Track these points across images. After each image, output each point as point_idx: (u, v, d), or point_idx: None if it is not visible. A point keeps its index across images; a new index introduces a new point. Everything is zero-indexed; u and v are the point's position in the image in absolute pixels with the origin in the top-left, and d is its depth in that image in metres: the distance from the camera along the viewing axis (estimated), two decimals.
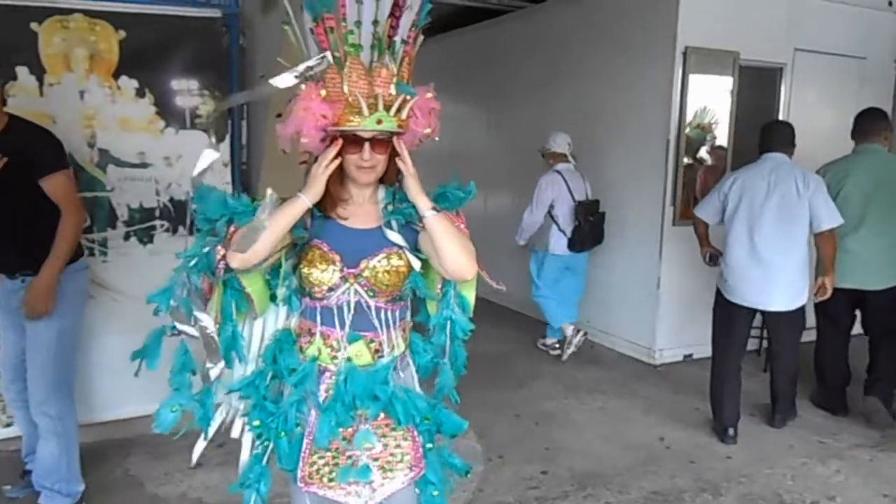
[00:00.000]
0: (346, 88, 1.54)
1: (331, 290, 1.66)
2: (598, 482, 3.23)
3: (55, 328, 2.67)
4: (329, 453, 1.68)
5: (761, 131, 3.79)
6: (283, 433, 1.69)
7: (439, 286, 1.75)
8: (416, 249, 1.70)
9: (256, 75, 3.51)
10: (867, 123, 4.05)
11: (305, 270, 1.66)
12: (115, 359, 2.92)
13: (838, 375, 4.12)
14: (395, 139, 1.62)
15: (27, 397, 2.88)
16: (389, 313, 1.71)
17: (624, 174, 5.16)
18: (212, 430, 1.82)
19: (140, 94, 3.44)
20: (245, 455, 1.84)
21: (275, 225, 1.54)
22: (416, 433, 1.73)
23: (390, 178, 1.71)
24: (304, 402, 1.68)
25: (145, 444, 3.46)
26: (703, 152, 4.94)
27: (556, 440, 3.65)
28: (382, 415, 1.70)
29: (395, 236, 1.68)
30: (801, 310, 3.69)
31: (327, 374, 1.70)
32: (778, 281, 3.59)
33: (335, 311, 1.68)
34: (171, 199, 3.57)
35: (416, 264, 1.67)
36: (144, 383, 3.53)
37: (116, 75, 3.39)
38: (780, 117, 5.17)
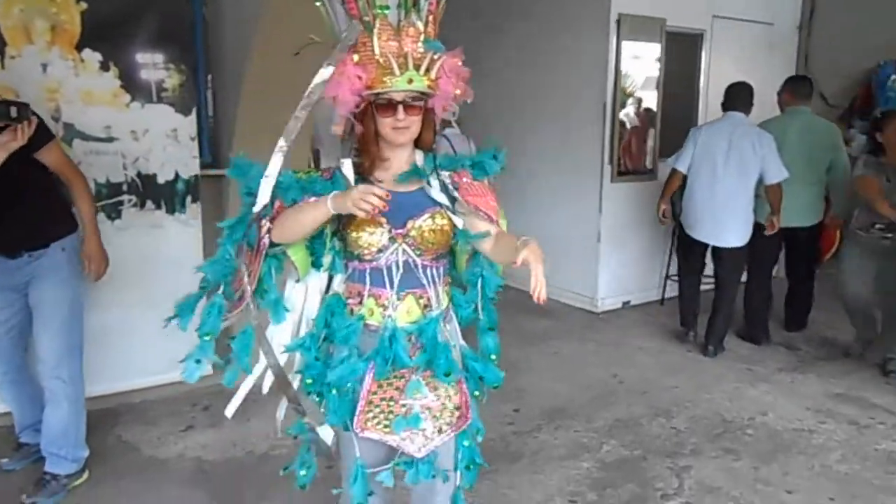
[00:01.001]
0: (376, 49, 1.61)
1: (380, 251, 1.72)
2: (565, 416, 3.57)
3: (70, 294, 2.77)
4: (384, 402, 1.75)
5: (725, 92, 4.41)
6: (333, 389, 1.76)
7: (469, 245, 1.82)
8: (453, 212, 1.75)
9: (224, 47, 3.55)
10: (799, 89, 4.64)
11: (354, 234, 1.71)
12: (86, 335, 2.97)
13: (763, 309, 4.66)
14: (428, 103, 1.68)
15: (15, 376, 2.93)
16: (434, 270, 1.78)
17: (565, 136, 5.47)
18: (245, 386, 1.93)
19: (104, 67, 3.42)
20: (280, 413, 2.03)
21: (301, 226, 1.66)
22: (464, 384, 1.81)
23: (427, 142, 1.78)
24: (352, 358, 1.74)
25: (132, 413, 3.55)
26: (630, 114, 5.32)
27: (522, 384, 3.97)
28: (423, 370, 1.76)
29: (439, 195, 1.74)
30: (744, 249, 4.28)
31: (374, 330, 1.75)
32: (730, 222, 4.22)
33: (384, 272, 1.74)
34: (139, 174, 3.57)
35: (459, 223, 1.73)
36: (119, 359, 3.60)
37: (80, 48, 3.35)
38: (701, 81, 5.62)
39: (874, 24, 5.83)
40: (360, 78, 1.63)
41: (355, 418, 1.75)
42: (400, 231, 1.72)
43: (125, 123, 3.51)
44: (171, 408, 3.61)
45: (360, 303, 1.77)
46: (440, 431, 1.77)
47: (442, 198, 1.74)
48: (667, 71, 5.30)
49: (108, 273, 3.01)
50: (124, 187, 3.56)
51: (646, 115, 5.37)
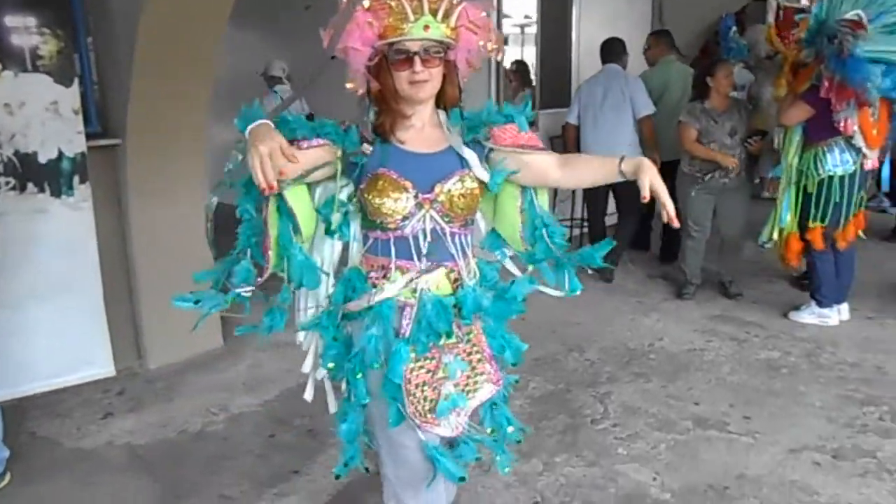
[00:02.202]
0: None
1: (405, 218, 1.58)
2: None
3: None
4: (418, 389, 1.61)
5: (601, 47, 4.93)
6: (359, 373, 1.62)
7: (519, 201, 1.70)
8: (485, 164, 1.66)
9: (107, 6, 3.26)
10: (669, 40, 5.18)
11: (377, 201, 1.56)
12: None
13: (624, 238, 5.09)
14: (449, 55, 1.53)
15: None
16: (464, 238, 1.66)
17: None
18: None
19: None
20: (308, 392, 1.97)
21: None
22: (492, 356, 1.72)
23: (451, 100, 1.63)
24: (381, 339, 1.60)
25: (40, 407, 3.31)
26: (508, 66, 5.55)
27: None
28: (462, 345, 1.66)
29: (470, 154, 1.61)
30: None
31: (407, 308, 1.61)
32: (612, 153, 4.72)
33: (411, 241, 1.60)
34: (17, 153, 3.19)
35: (485, 176, 1.63)
36: (10, 362, 3.31)
37: None
38: (573, 37, 5.90)
39: None
40: (371, 25, 1.49)
41: (408, 415, 1.60)
42: (428, 196, 1.58)
43: None
44: (83, 397, 3.40)
45: (385, 276, 1.62)
46: (473, 398, 1.68)
47: (473, 157, 1.62)
48: (543, 27, 5.54)
49: None
50: (0, 168, 3.19)
51: (522, 67, 5.69)
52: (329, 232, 1.67)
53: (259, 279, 1.62)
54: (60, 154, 3.28)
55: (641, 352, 3.82)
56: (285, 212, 1.59)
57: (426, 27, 1.48)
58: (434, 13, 1.49)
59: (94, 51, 3.40)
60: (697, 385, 3.42)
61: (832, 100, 3.64)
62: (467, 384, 1.68)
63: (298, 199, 1.60)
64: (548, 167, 1.66)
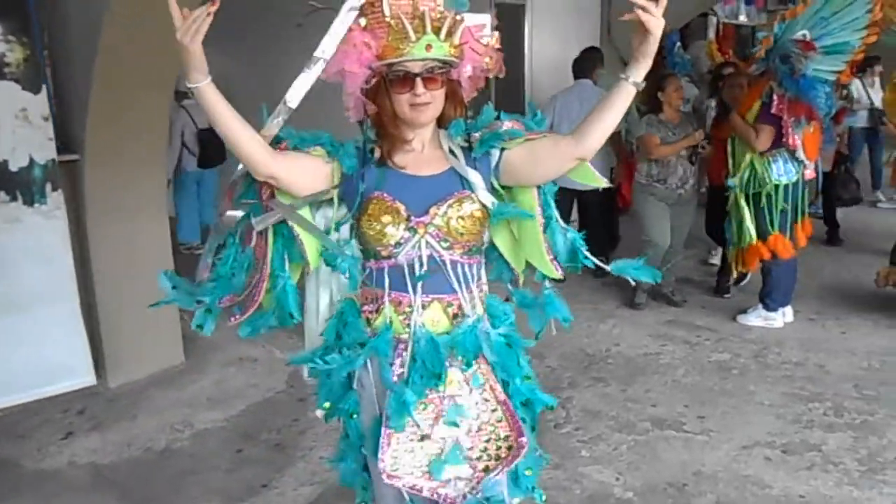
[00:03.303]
0: (386, 10, 1.36)
1: (398, 244, 1.46)
2: None
3: None
4: (413, 441, 1.49)
5: (574, 63, 5.06)
6: (353, 414, 1.56)
7: (540, 213, 1.54)
8: (494, 183, 1.53)
9: (66, 17, 3.22)
10: (598, 56, 5.24)
11: (368, 225, 1.46)
12: None
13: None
14: (451, 73, 1.42)
15: None
16: (467, 268, 1.51)
17: None
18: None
19: None
20: None
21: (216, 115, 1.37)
22: (510, 406, 1.52)
23: (449, 118, 1.51)
24: (374, 383, 1.52)
25: None
26: None
27: None
28: (469, 391, 1.51)
29: (476, 177, 1.48)
30: (606, 191, 4.75)
31: (401, 346, 1.50)
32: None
33: (405, 270, 1.47)
34: None
35: (489, 200, 1.49)
36: None
37: None
38: (526, 50, 6.05)
39: None
40: (368, 46, 1.38)
41: (379, 461, 1.47)
42: (421, 219, 1.46)
43: None
44: (42, 417, 3.33)
45: (378, 310, 1.51)
46: (486, 470, 1.49)
47: (477, 178, 1.48)
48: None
49: None
50: None
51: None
52: (332, 263, 1.52)
53: (240, 315, 1.54)
54: (32, 161, 3.23)
55: (600, 357, 3.95)
56: (284, 238, 1.52)
57: (428, 47, 1.37)
58: (437, 32, 1.38)
59: (50, 65, 3.35)
60: (654, 387, 3.55)
61: (783, 116, 3.85)
62: (484, 446, 1.51)
63: (305, 214, 1.53)
64: (558, 142, 1.50)
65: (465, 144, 1.52)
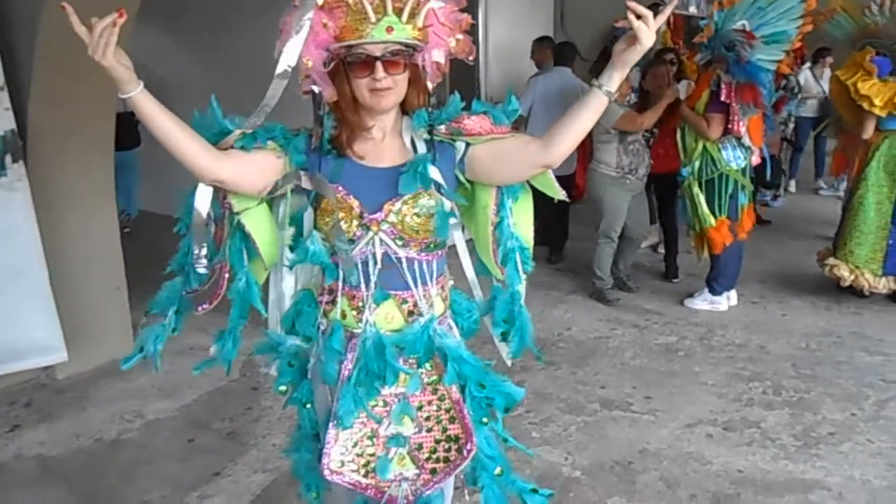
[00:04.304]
0: None
1: (351, 241, 1.41)
2: None
3: None
4: (362, 436, 1.46)
5: (556, 51, 5.21)
6: (307, 403, 1.56)
7: (493, 211, 1.51)
8: (457, 181, 1.48)
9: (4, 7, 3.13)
10: (550, 45, 5.38)
11: (320, 222, 1.43)
12: None
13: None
14: (416, 57, 1.34)
15: None
16: (424, 265, 1.46)
17: None
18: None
19: None
20: None
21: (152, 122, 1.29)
22: (464, 407, 1.47)
23: (416, 106, 1.44)
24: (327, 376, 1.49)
25: None
26: None
27: None
28: (421, 390, 1.47)
29: (433, 172, 1.41)
30: (570, 177, 5.05)
31: (353, 340, 1.46)
32: None
33: (359, 266, 1.43)
34: None
35: (447, 205, 1.44)
36: None
37: None
38: (481, 35, 6.07)
39: None
40: (325, 26, 1.31)
41: (324, 456, 1.45)
42: (374, 216, 1.41)
43: None
44: None
45: (333, 302, 1.48)
46: (433, 472, 1.47)
47: (435, 174, 1.41)
48: None
49: None
50: None
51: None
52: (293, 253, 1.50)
53: (207, 304, 1.51)
54: None
55: (551, 341, 4.03)
56: (240, 235, 1.50)
57: (389, 28, 1.30)
58: (398, 13, 1.31)
59: None
60: (603, 370, 3.64)
61: (732, 103, 3.96)
62: (433, 447, 1.48)
63: (259, 223, 1.49)
64: (526, 144, 1.45)
65: (428, 137, 1.45)
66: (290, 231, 1.51)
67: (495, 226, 1.54)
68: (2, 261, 3.14)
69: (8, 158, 3.12)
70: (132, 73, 1.25)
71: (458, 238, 1.61)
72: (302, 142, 1.46)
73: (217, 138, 1.42)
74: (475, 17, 6.01)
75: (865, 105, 4.14)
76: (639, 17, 1.24)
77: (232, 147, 1.42)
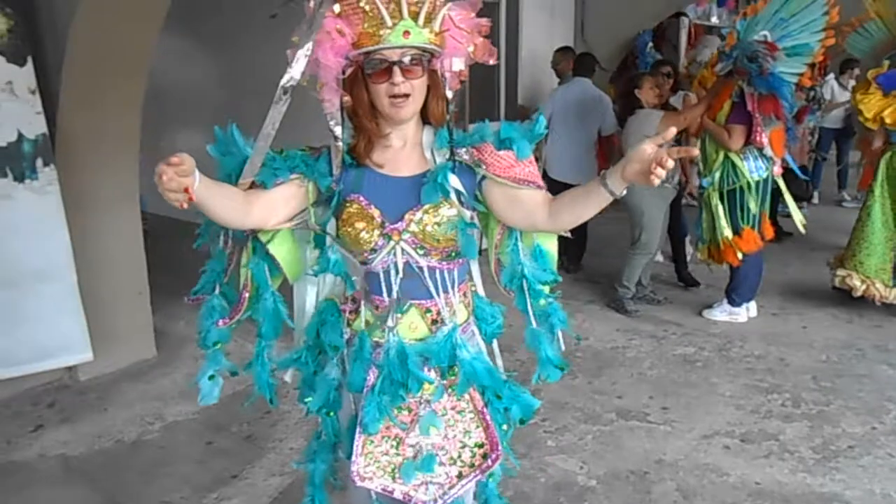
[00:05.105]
0: None
1: (373, 251, 1.42)
2: None
3: None
4: (387, 442, 1.47)
5: (575, 62, 5.24)
6: (330, 412, 1.55)
7: (498, 236, 1.53)
8: (475, 198, 1.47)
9: (33, 17, 3.21)
10: (573, 56, 5.39)
11: (344, 231, 1.43)
12: None
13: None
14: (434, 63, 1.35)
15: None
16: (446, 273, 1.46)
17: None
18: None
19: None
20: None
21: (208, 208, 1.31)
22: (487, 415, 1.49)
23: (436, 115, 1.43)
24: (349, 385, 1.51)
25: None
26: None
27: None
28: (446, 396, 1.48)
29: (455, 182, 1.40)
30: None
31: (378, 350, 1.46)
32: (576, 163, 5.00)
33: (381, 276, 1.44)
34: None
35: (466, 214, 1.43)
36: None
37: None
38: (502, 45, 6.11)
39: None
40: (342, 34, 1.31)
41: (352, 464, 1.46)
42: (395, 226, 1.41)
43: None
44: (13, 410, 3.33)
45: (356, 311, 1.50)
46: (460, 476, 1.47)
47: (457, 183, 1.41)
48: None
49: None
50: None
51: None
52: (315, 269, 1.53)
53: (228, 319, 1.53)
54: (20, 136, 3.14)
55: (568, 350, 3.94)
56: (262, 254, 1.51)
57: (406, 33, 1.30)
58: (415, 17, 1.30)
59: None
60: (620, 380, 3.63)
61: (755, 114, 3.95)
62: (459, 451, 1.49)
63: (282, 243, 1.51)
64: (538, 206, 1.44)
65: (447, 158, 1.44)
66: (314, 254, 1.53)
67: (499, 246, 1.54)
68: (32, 262, 3.21)
69: (39, 162, 3.19)
70: (194, 176, 1.21)
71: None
72: (324, 164, 1.46)
73: (240, 168, 1.43)
74: (496, 28, 6.05)
75: (861, 118, 4.29)
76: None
77: (254, 184, 1.43)
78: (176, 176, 1.15)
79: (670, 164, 1.19)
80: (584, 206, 1.39)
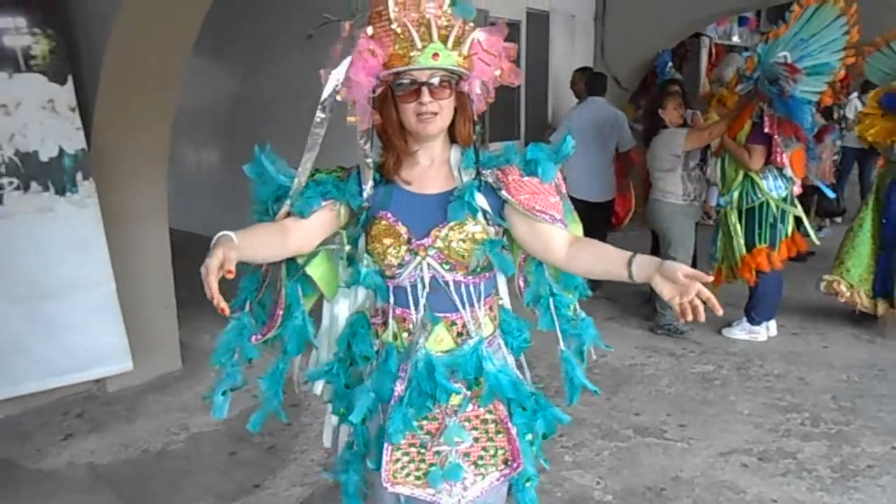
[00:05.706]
0: (391, 15, 1.34)
1: (400, 266, 1.47)
2: None
3: None
4: (413, 449, 1.53)
5: (587, 82, 5.28)
6: (364, 420, 1.58)
7: (523, 254, 1.58)
8: (500, 218, 1.50)
9: (93, 8, 3.31)
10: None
11: (372, 246, 1.48)
12: None
13: None
14: (462, 84, 1.40)
15: None
16: (472, 288, 1.50)
17: None
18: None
19: None
20: (326, 436, 1.80)
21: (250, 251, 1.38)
22: (510, 424, 1.53)
23: (463, 136, 1.48)
24: (377, 398, 1.55)
25: None
26: None
27: None
28: (472, 406, 1.52)
29: (481, 200, 1.46)
30: (608, 203, 5.16)
31: (405, 362, 1.51)
32: (596, 180, 5.06)
33: (408, 290, 1.49)
34: (17, 152, 3.20)
35: (491, 231, 1.48)
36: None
37: None
38: (522, 65, 6.20)
39: (657, 17, 6.77)
40: (374, 54, 1.37)
41: (382, 469, 1.51)
42: (422, 242, 1.46)
43: None
44: (43, 419, 3.43)
45: (384, 323, 1.55)
46: (483, 477, 1.54)
47: (482, 201, 1.46)
48: None
49: None
50: (2, 169, 3.18)
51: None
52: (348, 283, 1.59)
53: (260, 335, 1.59)
54: (61, 151, 3.30)
55: (587, 367, 4.03)
56: (295, 274, 1.56)
57: (435, 55, 1.35)
58: (444, 40, 1.35)
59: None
60: (638, 397, 3.65)
61: (775, 135, 3.99)
62: (481, 455, 1.54)
63: (318, 263, 1.57)
64: (556, 244, 1.48)
65: (473, 177, 1.49)
66: (348, 270, 1.58)
67: (524, 265, 1.60)
68: (73, 274, 3.33)
69: (79, 175, 3.33)
70: (235, 250, 1.30)
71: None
72: (354, 184, 1.51)
73: (275, 195, 1.52)
74: (518, 47, 6.14)
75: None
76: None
77: (289, 213, 1.50)
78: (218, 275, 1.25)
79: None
80: (601, 271, 1.45)
